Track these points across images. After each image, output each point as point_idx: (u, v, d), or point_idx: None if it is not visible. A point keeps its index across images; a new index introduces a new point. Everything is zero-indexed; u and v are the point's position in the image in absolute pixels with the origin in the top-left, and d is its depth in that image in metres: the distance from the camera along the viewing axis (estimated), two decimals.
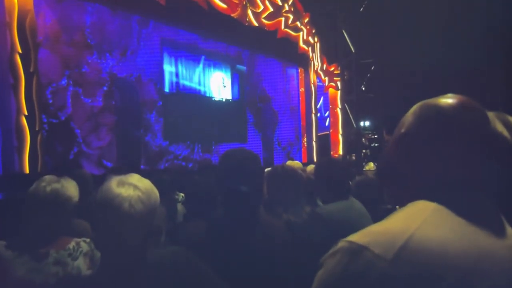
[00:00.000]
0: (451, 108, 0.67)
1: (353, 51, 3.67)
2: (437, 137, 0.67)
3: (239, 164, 1.38)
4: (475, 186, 0.65)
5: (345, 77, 4.02)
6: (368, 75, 3.69)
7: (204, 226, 1.39)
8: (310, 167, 4.38)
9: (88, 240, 1.60)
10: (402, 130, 0.71)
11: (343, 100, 3.87)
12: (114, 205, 1.02)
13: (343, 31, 3.57)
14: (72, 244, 1.55)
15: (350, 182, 2.52)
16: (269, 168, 4.42)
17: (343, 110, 4.06)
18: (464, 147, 0.65)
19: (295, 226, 1.84)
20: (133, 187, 1.06)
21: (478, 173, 0.66)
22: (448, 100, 0.69)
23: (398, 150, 0.71)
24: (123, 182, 1.06)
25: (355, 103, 3.65)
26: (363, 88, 3.47)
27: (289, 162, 4.57)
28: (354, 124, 3.95)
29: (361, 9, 3.53)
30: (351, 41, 3.55)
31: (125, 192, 1.04)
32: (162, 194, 2.97)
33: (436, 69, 11.74)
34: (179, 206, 3.08)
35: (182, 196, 3.59)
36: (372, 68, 3.76)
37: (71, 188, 1.58)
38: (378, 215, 2.25)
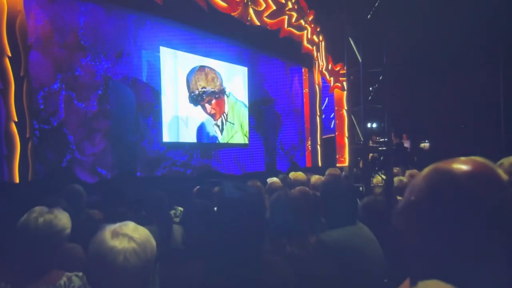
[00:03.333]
0: (464, 176, 0.64)
1: (360, 60, 3.41)
2: (449, 208, 0.63)
3: (239, 214, 1.33)
4: (491, 263, 0.62)
5: (351, 77, 3.77)
6: (376, 85, 3.44)
7: (203, 268, 1.39)
8: (315, 178, 4.13)
9: (80, 274, 1.55)
10: (412, 198, 0.68)
11: (349, 110, 3.63)
12: (108, 259, 1.01)
13: (350, 39, 3.32)
14: (63, 280, 1.50)
15: (358, 201, 2.36)
16: (272, 179, 4.21)
17: (349, 121, 3.80)
18: (479, 220, 0.62)
19: (300, 261, 1.76)
20: (128, 239, 1.04)
21: (495, 248, 0.62)
22: (462, 166, 0.65)
23: (407, 219, 0.68)
24: (117, 233, 1.04)
25: (362, 114, 3.42)
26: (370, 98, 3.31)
27: (292, 174, 4.33)
28: (362, 137, 3.69)
29: (369, 16, 3.28)
30: (357, 50, 3.31)
31: (120, 244, 1.02)
32: (158, 212, 2.74)
33: (444, 76, 11.67)
34: (176, 227, 2.83)
35: (180, 211, 3.35)
36: (380, 78, 3.51)
37: (64, 218, 1.57)
38: (387, 239, 2.08)
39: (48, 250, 1.49)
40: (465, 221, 0.62)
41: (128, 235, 1.04)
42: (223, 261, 1.33)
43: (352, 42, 3.57)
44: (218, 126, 7.93)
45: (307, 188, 2.69)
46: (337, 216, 1.98)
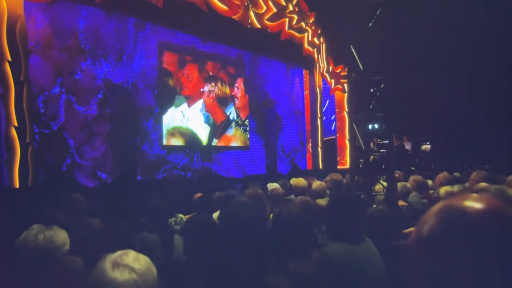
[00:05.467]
0: (477, 215, 0.63)
1: (362, 68, 3.41)
2: (462, 247, 0.62)
3: (240, 233, 1.33)
4: None
5: (352, 75, 3.76)
6: (378, 93, 3.44)
7: None
8: (316, 184, 4.10)
9: None
10: (424, 234, 0.67)
11: (351, 117, 3.62)
12: None
13: (351, 47, 3.31)
14: None
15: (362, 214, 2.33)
16: (272, 185, 4.18)
17: (351, 124, 3.79)
18: (492, 260, 0.61)
19: (302, 278, 1.77)
20: (128, 270, 1.03)
21: None
22: (474, 204, 0.65)
23: (418, 254, 0.68)
24: (118, 264, 1.03)
25: (363, 123, 3.43)
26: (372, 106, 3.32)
27: (293, 180, 4.31)
28: (363, 146, 3.68)
29: (370, 24, 3.27)
30: (359, 57, 3.30)
31: (121, 276, 1.01)
32: (159, 222, 2.71)
33: (445, 77, 11.68)
34: (177, 237, 2.81)
35: (181, 218, 3.33)
36: (382, 86, 3.51)
37: (62, 234, 1.59)
38: (390, 252, 2.06)
39: (48, 268, 1.49)
40: (478, 261, 0.61)
41: (129, 266, 1.03)
42: (225, 283, 1.31)
43: (353, 50, 3.56)
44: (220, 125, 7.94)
45: (308, 198, 2.67)
46: (341, 229, 1.94)
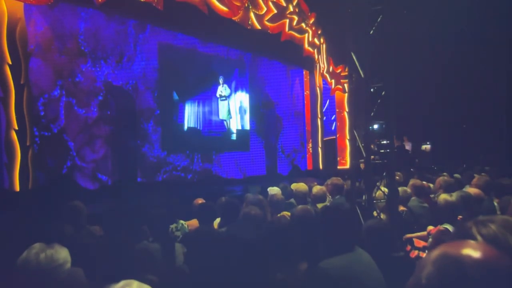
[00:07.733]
0: (473, 264, 0.64)
1: (362, 75, 3.41)
2: None
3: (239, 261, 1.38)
4: None
5: (353, 79, 3.73)
6: (379, 100, 3.45)
7: None
8: (316, 189, 4.11)
9: None
10: (423, 281, 0.68)
11: (351, 123, 3.62)
12: None
13: (352, 54, 3.32)
14: None
15: (362, 222, 2.33)
16: (273, 189, 4.18)
17: (351, 134, 3.79)
18: None
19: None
20: None
21: None
22: (472, 253, 0.66)
23: None
24: None
25: (365, 130, 3.43)
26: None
27: (294, 185, 4.31)
28: (364, 153, 3.68)
29: (371, 32, 3.28)
30: (360, 65, 3.30)
31: None
32: (160, 231, 2.71)
33: (444, 77, 11.67)
34: (178, 246, 2.81)
35: (182, 224, 3.33)
36: (383, 93, 3.52)
37: (63, 252, 1.59)
38: (389, 264, 2.05)
39: (49, 286, 1.49)
40: None
41: None
42: None
43: (354, 57, 3.55)
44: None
45: (308, 207, 2.66)
46: (337, 242, 1.92)
